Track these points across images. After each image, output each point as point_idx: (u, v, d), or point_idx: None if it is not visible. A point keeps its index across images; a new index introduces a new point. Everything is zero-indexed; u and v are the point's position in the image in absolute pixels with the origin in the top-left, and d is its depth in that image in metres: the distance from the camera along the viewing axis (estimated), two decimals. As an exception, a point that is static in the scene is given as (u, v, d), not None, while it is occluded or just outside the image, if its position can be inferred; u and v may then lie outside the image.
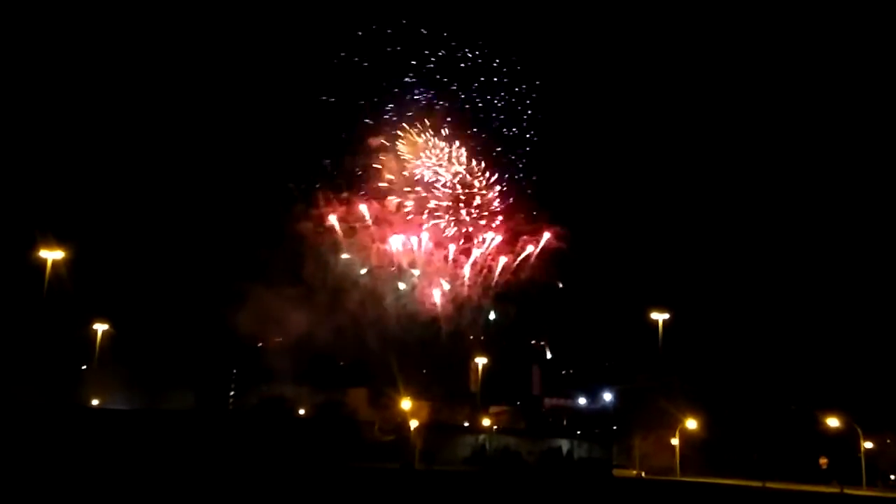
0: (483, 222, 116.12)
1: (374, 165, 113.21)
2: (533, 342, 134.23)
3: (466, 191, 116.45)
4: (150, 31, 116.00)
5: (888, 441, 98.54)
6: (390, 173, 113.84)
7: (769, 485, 78.23)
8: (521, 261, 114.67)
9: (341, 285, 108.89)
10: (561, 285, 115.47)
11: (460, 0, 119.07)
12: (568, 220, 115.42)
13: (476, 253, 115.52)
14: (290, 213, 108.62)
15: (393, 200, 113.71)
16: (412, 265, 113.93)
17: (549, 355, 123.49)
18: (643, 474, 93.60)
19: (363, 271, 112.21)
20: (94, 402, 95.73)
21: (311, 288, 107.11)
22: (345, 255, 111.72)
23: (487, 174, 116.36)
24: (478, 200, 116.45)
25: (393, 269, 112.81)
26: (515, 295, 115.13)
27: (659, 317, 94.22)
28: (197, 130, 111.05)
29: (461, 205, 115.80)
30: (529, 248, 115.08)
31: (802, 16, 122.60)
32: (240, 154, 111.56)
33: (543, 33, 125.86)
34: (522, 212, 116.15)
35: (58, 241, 78.27)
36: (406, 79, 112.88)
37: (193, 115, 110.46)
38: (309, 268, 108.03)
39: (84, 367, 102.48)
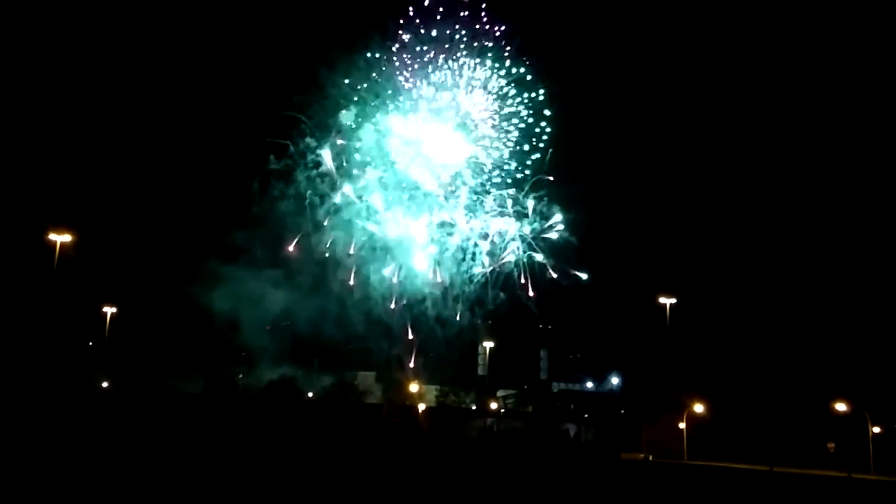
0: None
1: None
2: (540, 326, 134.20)
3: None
4: (130, 27, 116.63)
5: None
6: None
7: (777, 469, 78.26)
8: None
9: (327, 266, 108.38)
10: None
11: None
12: (577, 206, 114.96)
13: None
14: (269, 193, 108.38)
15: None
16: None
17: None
18: (651, 458, 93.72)
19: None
20: (105, 384, 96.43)
21: (300, 270, 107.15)
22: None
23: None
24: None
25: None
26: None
27: (666, 301, 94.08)
28: (189, 117, 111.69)
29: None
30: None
31: (803, 16, 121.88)
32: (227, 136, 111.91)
33: (544, 30, 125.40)
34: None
35: (66, 225, 78.77)
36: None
37: (183, 101, 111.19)
38: (295, 249, 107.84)
39: (90, 343, 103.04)
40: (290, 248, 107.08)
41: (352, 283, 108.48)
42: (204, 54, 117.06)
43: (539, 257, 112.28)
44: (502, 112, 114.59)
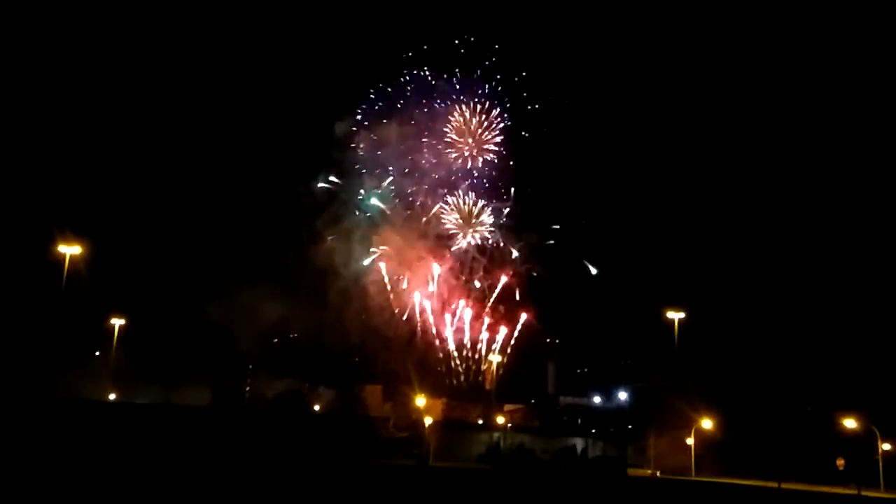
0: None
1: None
2: (548, 340, 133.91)
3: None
4: (147, 35, 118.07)
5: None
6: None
7: (785, 485, 77.69)
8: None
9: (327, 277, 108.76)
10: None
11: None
12: (584, 219, 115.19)
13: None
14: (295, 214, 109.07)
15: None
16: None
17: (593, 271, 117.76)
18: (658, 474, 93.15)
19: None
20: (111, 396, 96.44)
21: (302, 281, 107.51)
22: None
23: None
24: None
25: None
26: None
27: (674, 316, 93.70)
28: (200, 132, 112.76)
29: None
30: None
31: (803, 16, 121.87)
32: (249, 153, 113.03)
33: (546, 37, 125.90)
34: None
35: (76, 236, 79.10)
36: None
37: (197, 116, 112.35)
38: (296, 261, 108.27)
39: (97, 353, 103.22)
40: (289, 261, 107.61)
41: (351, 293, 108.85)
42: (214, 67, 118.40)
43: (538, 270, 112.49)
44: (499, 123, 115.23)
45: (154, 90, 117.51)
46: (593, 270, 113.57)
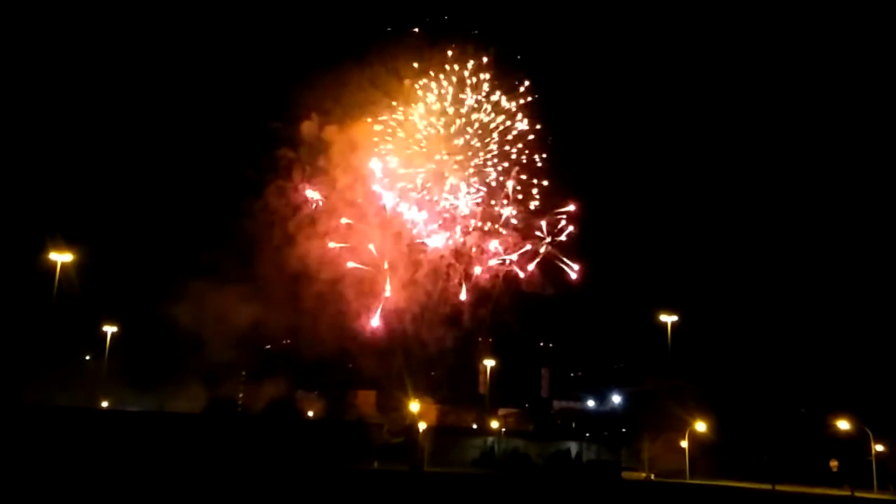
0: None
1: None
2: (541, 344, 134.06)
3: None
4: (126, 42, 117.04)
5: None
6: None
7: (779, 488, 77.88)
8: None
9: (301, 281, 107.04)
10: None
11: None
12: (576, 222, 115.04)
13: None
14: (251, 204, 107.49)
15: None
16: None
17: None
18: (652, 477, 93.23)
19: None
20: (104, 403, 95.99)
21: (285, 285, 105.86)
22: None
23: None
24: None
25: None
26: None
27: (667, 319, 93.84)
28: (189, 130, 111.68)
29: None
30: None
31: (802, 16, 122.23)
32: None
33: (545, 36, 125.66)
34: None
35: (67, 244, 78.78)
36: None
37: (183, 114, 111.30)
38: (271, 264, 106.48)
39: (88, 357, 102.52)
40: (265, 264, 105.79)
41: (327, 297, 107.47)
42: (183, 65, 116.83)
43: (520, 273, 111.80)
44: (482, 118, 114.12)
45: (133, 94, 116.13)
46: (573, 275, 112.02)
